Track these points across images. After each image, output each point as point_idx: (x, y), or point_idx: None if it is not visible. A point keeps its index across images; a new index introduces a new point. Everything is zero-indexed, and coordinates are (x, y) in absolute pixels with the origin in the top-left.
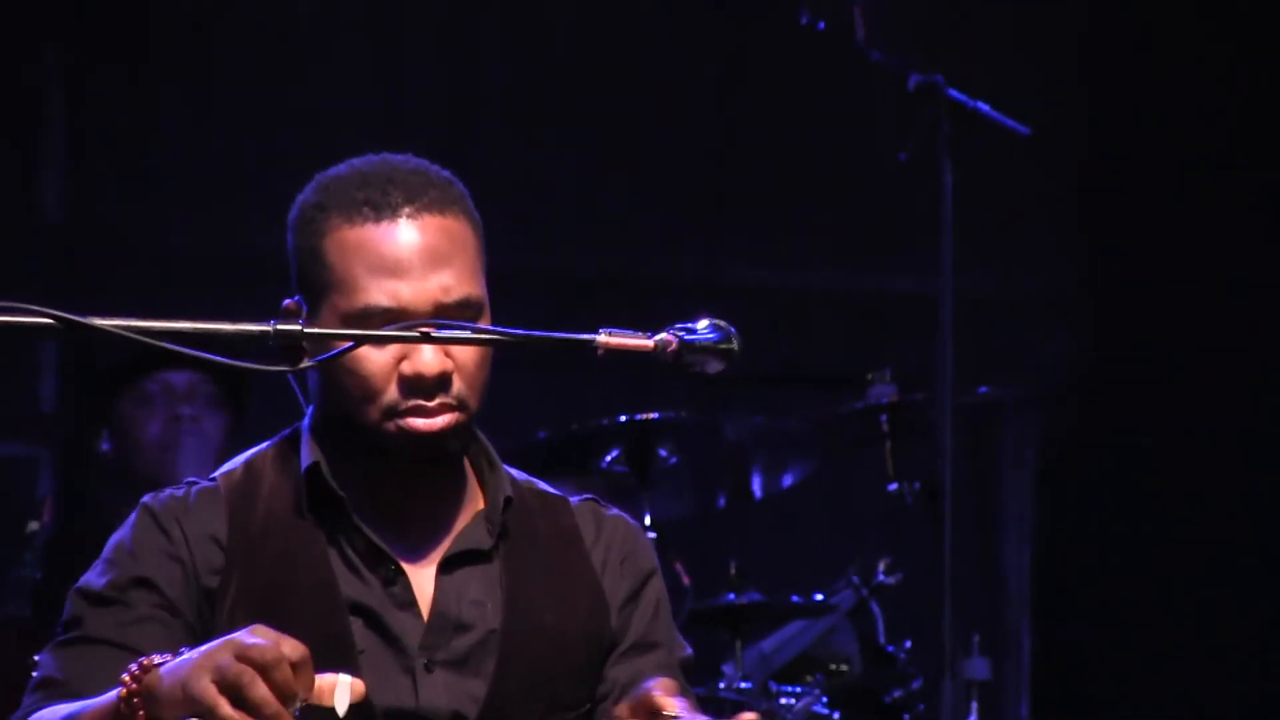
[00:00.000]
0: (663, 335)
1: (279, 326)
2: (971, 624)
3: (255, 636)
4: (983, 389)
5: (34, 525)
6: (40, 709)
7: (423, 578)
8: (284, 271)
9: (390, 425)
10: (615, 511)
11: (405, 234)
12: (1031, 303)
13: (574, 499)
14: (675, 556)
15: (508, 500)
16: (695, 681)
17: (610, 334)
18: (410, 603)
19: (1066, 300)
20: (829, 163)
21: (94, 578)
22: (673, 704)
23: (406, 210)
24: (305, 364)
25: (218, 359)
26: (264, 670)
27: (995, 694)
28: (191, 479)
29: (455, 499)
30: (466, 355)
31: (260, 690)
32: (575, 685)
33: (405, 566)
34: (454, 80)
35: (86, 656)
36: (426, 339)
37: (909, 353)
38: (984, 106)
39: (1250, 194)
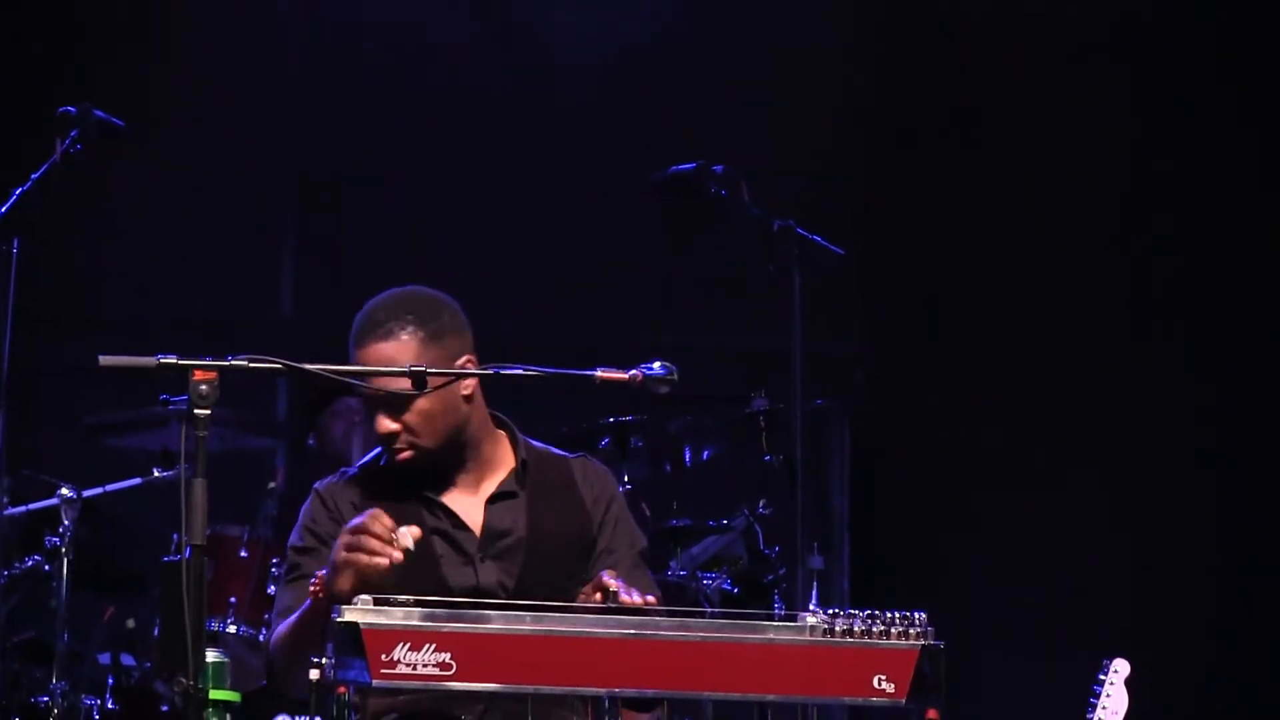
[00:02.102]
0: (634, 371)
1: (412, 369)
2: (812, 536)
3: (359, 518)
4: (819, 400)
5: (272, 484)
6: (278, 625)
7: (475, 511)
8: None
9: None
10: (596, 463)
11: (362, 359)
12: (846, 351)
13: (570, 456)
14: (641, 499)
15: (524, 463)
16: (653, 566)
17: (603, 370)
18: (465, 526)
19: (864, 350)
20: (728, 273)
21: (295, 538)
22: (613, 581)
23: (362, 343)
24: (427, 390)
25: (373, 388)
26: (364, 529)
27: (827, 578)
28: (345, 468)
29: (491, 464)
30: (411, 416)
31: (366, 536)
32: (571, 571)
33: (459, 508)
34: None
35: (299, 587)
36: (496, 375)
37: (777, 381)
38: (818, 237)
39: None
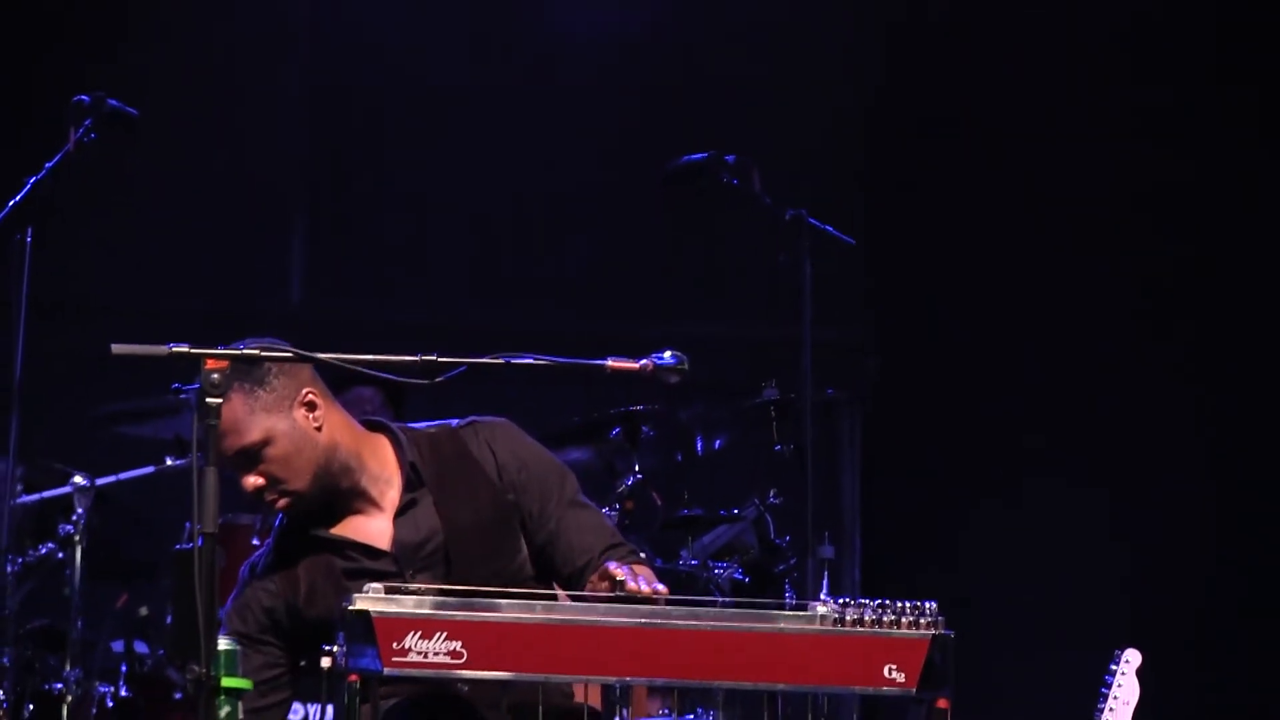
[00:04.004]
0: (645, 360)
1: (424, 358)
2: (823, 526)
3: None
4: (829, 390)
5: None
6: None
7: (386, 533)
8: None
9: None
10: (487, 421)
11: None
12: (857, 341)
13: (461, 424)
14: (652, 488)
15: (412, 465)
16: (664, 555)
17: (613, 360)
18: (381, 553)
19: (874, 340)
20: (738, 263)
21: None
22: (619, 570)
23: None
24: (438, 378)
25: (385, 375)
26: None
27: (837, 568)
28: (263, 546)
29: (382, 478)
30: (270, 466)
31: None
32: (502, 548)
33: (370, 535)
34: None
35: None
36: (507, 365)
37: (787, 371)
38: (829, 227)
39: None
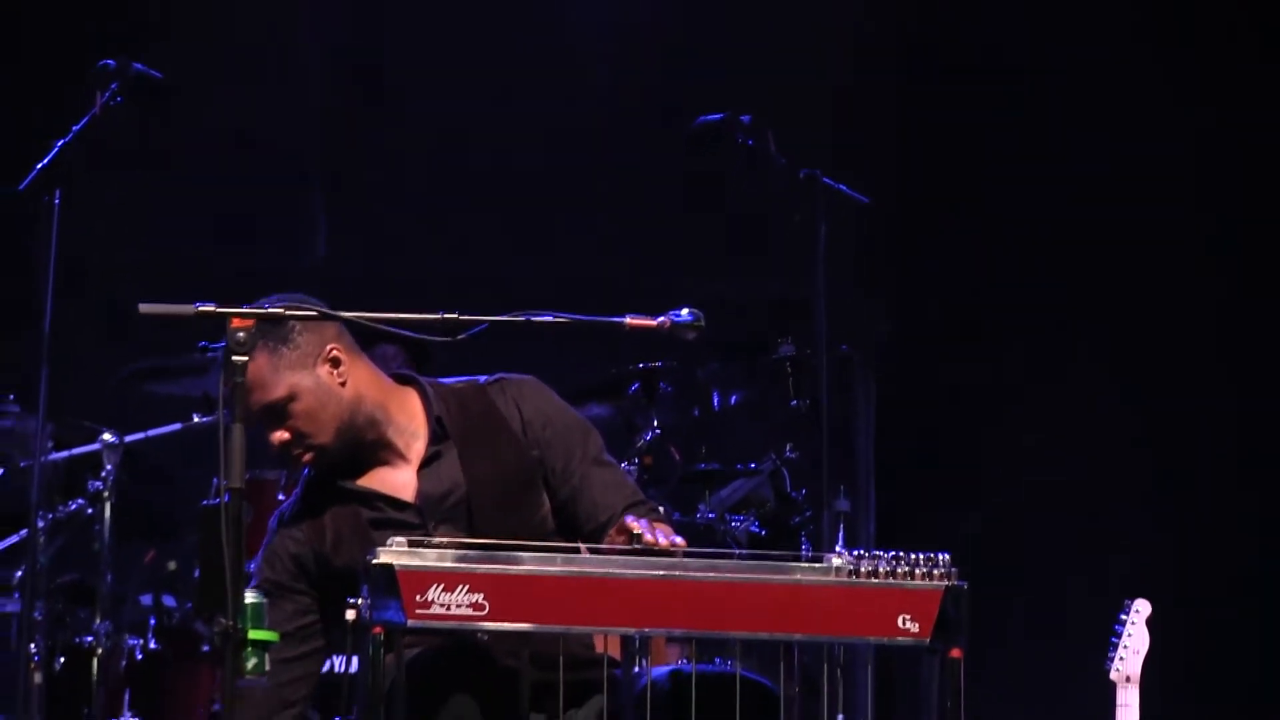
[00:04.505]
0: (662, 318)
1: (446, 316)
2: (838, 479)
3: None
4: (844, 347)
5: None
6: None
7: (411, 484)
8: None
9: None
10: (514, 379)
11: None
12: (870, 299)
13: (488, 381)
14: (670, 443)
15: (438, 419)
16: (682, 509)
17: (632, 318)
18: (405, 504)
19: (889, 299)
20: (753, 222)
21: (253, 572)
22: (636, 524)
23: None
24: (460, 336)
25: (407, 333)
26: None
27: (852, 520)
28: (291, 495)
29: (410, 430)
30: (296, 421)
31: None
32: (526, 495)
33: (395, 487)
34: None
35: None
36: (528, 322)
37: (801, 327)
38: (843, 186)
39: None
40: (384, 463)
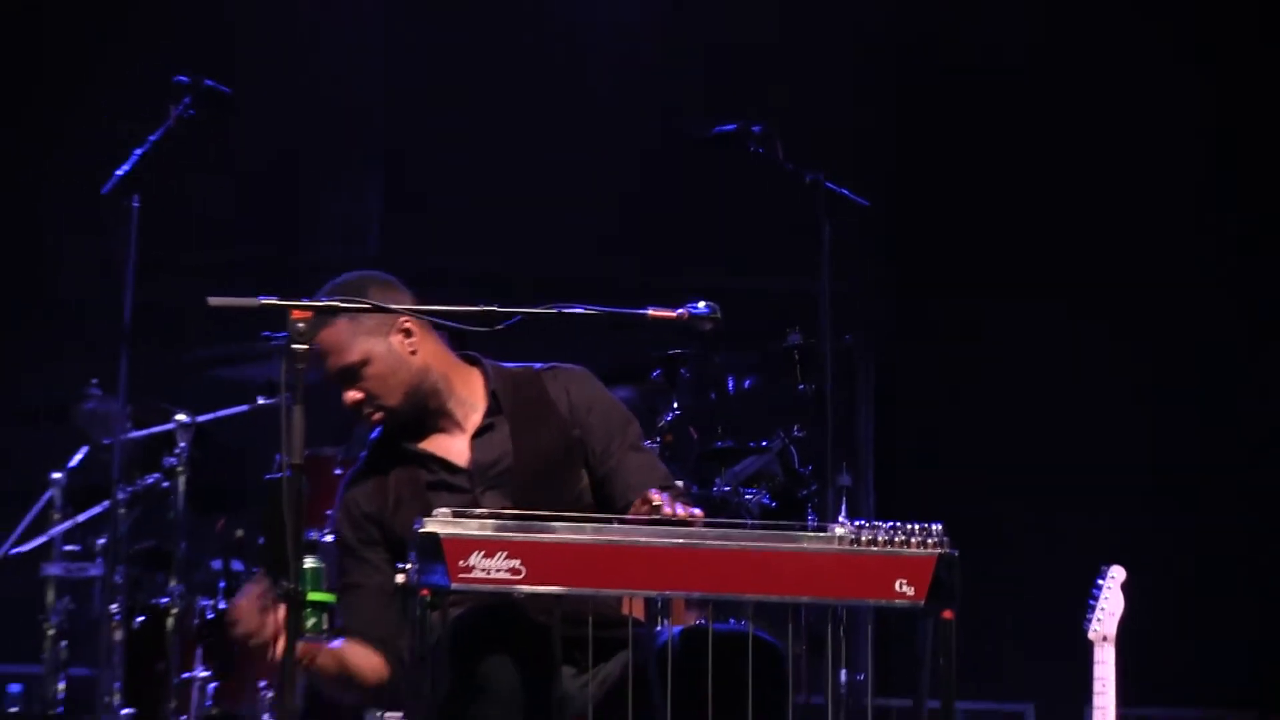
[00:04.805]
0: (681, 310)
1: (486, 308)
2: (840, 456)
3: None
4: (846, 337)
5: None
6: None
7: (464, 451)
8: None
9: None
10: (567, 368)
11: (320, 350)
12: (871, 290)
13: (543, 369)
14: (689, 423)
15: (494, 394)
16: (700, 482)
17: (653, 309)
18: (458, 468)
19: (887, 290)
20: (765, 221)
21: (336, 545)
22: (657, 497)
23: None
24: (499, 326)
25: (452, 323)
26: (232, 618)
27: (854, 494)
28: (358, 457)
29: (469, 403)
30: (367, 384)
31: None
32: (565, 478)
33: (450, 451)
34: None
35: (348, 602)
36: (558, 315)
37: (808, 318)
38: (846, 191)
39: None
40: (442, 430)
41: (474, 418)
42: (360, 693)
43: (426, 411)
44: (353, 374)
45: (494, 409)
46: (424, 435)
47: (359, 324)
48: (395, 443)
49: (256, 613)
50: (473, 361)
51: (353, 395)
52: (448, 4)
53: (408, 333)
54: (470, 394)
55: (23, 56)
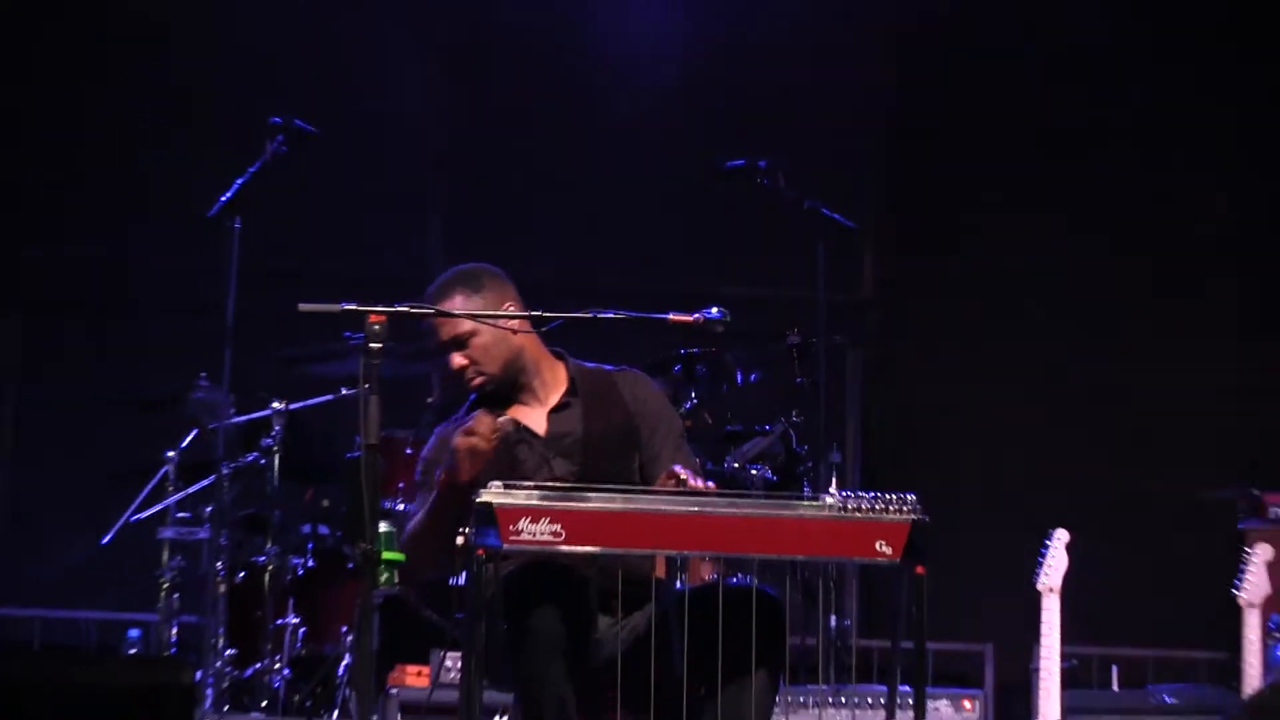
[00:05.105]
0: (697, 314)
1: (535, 313)
2: (832, 438)
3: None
4: (837, 338)
5: (429, 399)
6: (409, 523)
7: (542, 421)
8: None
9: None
10: (635, 372)
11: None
12: (860, 300)
13: (615, 370)
14: (705, 410)
15: (573, 380)
16: (712, 459)
17: (674, 314)
18: (536, 435)
19: (871, 301)
20: (771, 240)
21: (420, 463)
22: (682, 472)
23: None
24: (543, 329)
25: (503, 327)
26: (472, 427)
27: (843, 469)
28: (455, 415)
29: (551, 385)
30: (472, 352)
31: (476, 443)
32: (621, 458)
33: (530, 423)
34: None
35: (425, 496)
36: (594, 318)
37: (804, 320)
38: (838, 215)
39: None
40: (524, 403)
41: (554, 397)
42: (443, 545)
43: (516, 385)
44: (461, 343)
45: (571, 392)
46: (509, 405)
47: (472, 301)
48: (489, 407)
49: (491, 429)
50: (559, 355)
51: (459, 360)
52: (500, 59)
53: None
54: (553, 378)
55: (127, 106)
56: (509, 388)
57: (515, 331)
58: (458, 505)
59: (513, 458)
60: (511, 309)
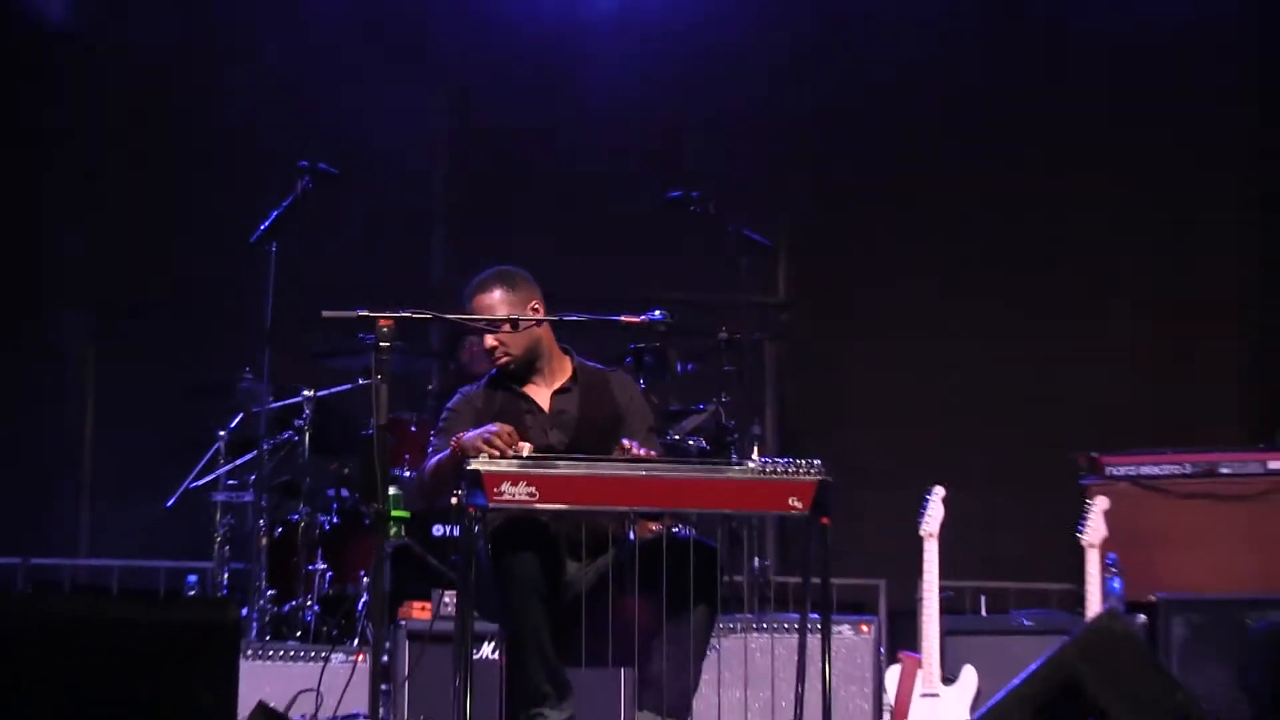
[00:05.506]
0: (645, 316)
1: (511, 317)
2: (754, 415)
3: (494, 426)
4: (756, 334)
5: (430, 387)
6: (430, 458)
7: (546, 399)
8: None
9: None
10: (623, 374)
11: (474, 307)
12: (775, 303)
13: (609, 370)
14: (652, 394)
15: (575, 372)
16: (658, 432)
17: (626, 317)
18: (541, 409)
19: (784, 304)
20: (705, 254)
21: (445, 412)
22: (630, 444)
23: (474, 296)
24: (522, 329)
25: (486, 329)
26: (499, 434)
27: (763, 440)
28: (478, 380)
29: (557, 373)
30: (502, 336)
31: (498, 440)
32: (605, 436)
33: (538, 399)
34: None
35: (444, 438)
36: (561, 320)
37: (733, 321)
38: (756, 235)
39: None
40: (535, 383)
41: (559, 381)
42: (447, 484)
43: (531, 367)
44: (497, 328)
45: (573, 380)
46: (524, 383)
47: (508, 295)
48: (503, 384)
49: (508, 443)
50: (566, 351)
51: (491, 341)
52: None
53: (535, 310)
54: (560, 367)
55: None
56: (526, 368)
57: (538, 324)
58: (460, 464)
59: (521, 425)
60: (536, 307)
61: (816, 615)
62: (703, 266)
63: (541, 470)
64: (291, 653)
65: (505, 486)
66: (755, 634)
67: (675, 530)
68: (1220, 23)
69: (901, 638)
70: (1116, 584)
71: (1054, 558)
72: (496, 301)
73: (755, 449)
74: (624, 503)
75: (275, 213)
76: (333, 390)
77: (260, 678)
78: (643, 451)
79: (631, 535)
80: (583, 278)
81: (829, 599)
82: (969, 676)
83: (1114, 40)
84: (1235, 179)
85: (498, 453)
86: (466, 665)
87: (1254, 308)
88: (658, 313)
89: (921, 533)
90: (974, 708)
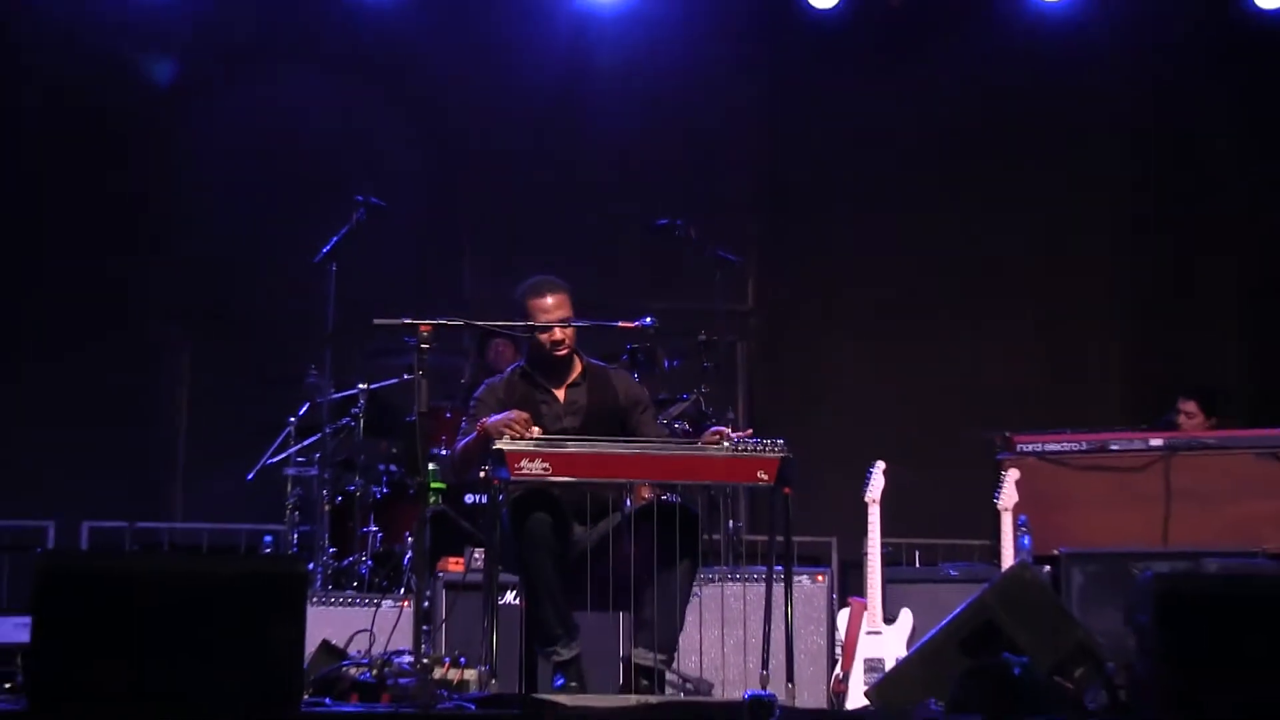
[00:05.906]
0: (638, 321)
1: (523, 323)
2: (728, 403)
3: (513, 413)
4: (730, 337)
5: (462, 380)
6: (460, 439)
7: (561, 391)
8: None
9: (553, 352)
10: (623, 371)
11: (542, 305)
12: (745, 310)
13: (612, 368)
14: (645, 386)
15: (585, 368)
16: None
17: (622, 322)
18: (556, 399)
19: (752, 310)
20: (688, 270)
21: (473, 401)
22: (724, 430)
23: (543, 294)
24: (539, 334)
25: (512, 334)
26: (515, 419)
27: (736, 424)
28: (502, 373)
29: (572, 369)
30: (567, 332)
31: (515, 425)
32: (609, 422)
33: (554, 390)
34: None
35: (473, 423)
36: (568, 324)
37: (711, 325)
38: (729, 254)
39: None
40: (552, 378)
41: (571, 377)
42: (474, 459)
43: (562, 362)
44: (565, 323)
45: (583, 375)
46: (545, 376)
47: (569, 297)
48: (528, 374)
49: (524, 427)
50: (575, 351)
51: (559, 334)
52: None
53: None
54: (575, 364)
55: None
56: (563, 363)
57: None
58: (486, 444)
59: (538, 413)
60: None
61: (780, 568)
62: (684, 280)
63: (554, 449)
64: (349, 600)
65: (524, 463)
66: (730, 583)
67: (664, 498)
68: (1101, 74)
69: (850, 586)
70: (1026, 541)
71: (975, 519)
72: (565, 300)
73: (729, 431)
74: (622, 475)
75: (335, 238)
76: (383, 384)
77: (323, 620)
78: (737, 436)
79: (628, 503)
80: (584, 290)
81: (790, 554)
82: (906, 617)
83: (1018, 86)
84: (1107, 203)
85: (517, 434)
86: (493, 609)
87: (1129, 316)
88: (648, 318)
89: (866, 499)
90: (910, 642)
